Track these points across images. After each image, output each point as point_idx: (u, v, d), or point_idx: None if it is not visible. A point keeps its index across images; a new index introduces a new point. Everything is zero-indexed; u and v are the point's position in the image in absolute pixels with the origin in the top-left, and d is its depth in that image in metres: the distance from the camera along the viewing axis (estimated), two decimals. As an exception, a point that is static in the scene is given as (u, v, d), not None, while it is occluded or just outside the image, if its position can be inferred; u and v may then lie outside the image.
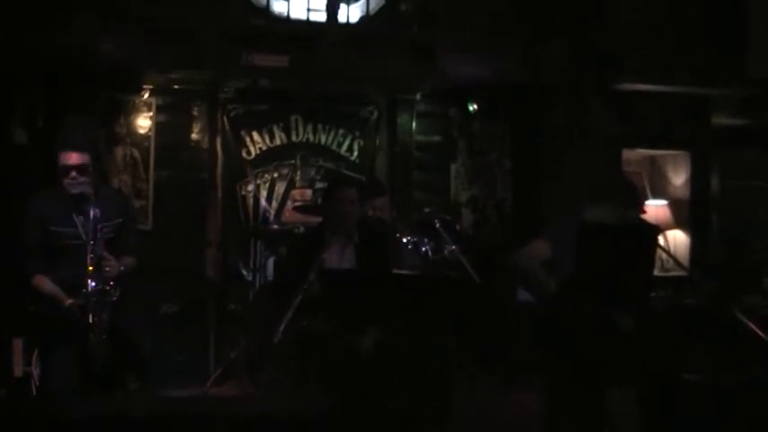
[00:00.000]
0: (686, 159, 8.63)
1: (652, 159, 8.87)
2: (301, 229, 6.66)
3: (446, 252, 6.59)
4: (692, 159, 8.58)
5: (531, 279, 5.09)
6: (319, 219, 5.78)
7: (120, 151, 7.58)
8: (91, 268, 4.64)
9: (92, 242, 4.66)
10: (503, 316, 6.33)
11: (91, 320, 4.63)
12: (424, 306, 4.61)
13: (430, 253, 6.62)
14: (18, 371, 6.28)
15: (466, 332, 5.96)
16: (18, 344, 6.30)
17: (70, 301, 4.71)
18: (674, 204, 8.54)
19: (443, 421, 5.03)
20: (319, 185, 7.73)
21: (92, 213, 4.67)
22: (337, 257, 5.33)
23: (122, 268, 4.80)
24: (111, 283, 4.69)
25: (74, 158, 4.74)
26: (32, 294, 4.95)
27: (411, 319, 4.64)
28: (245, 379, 6.77)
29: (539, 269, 5.03)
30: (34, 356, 6.03)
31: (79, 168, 4.73)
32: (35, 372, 6.04)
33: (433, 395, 5.03)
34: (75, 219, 4.77)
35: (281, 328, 4.61)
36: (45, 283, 4.79)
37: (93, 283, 4.63)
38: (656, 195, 8.65)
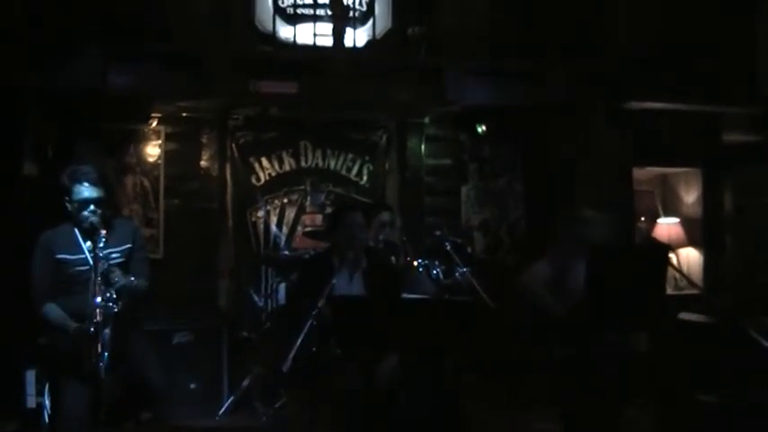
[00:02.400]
0: (698, 177, 8.60)
1: (663, 177, 8.84)
2: (312, 254, 6.65)
3: (458, 275, 6.57)
4: (704, 177, 8.56)
5: (536, 300, 5.09)
6: (327, 244, 5.78)
7: (129, 180, 7.60)
8: (97, 280, 4.65)
9: (102, 269, 4.69)
10: (516, 340, 6.28)
11: (99, 348, 4.62)
12: (436, 331, 4.57)
13: (441, 276, 6.60)
14: (31, 402, 6.28)
15: (479, 357, 5.93)
16: (30, 375, 6.30)
17: (75, 326, 4.72)
18: (686, 222, 8.51)
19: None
20: (330, 210, 7.72)
21: (101, 241, 4.69)
22: (346, 283, 5.31)
23: (132, 279, 4.81)
24: (114, 296, 4.69)
25: (92, 192, 4.81)
26: (42, 326, 4.97)
27: (422, 345, 4.60)
28: (258, 407, 6.74)
29: (542, 290, 5.02)
30: (46, 387, 6.02)
31: (96, 201, 4.80)
32: (47, 402, 6.03)
33: (446, 421, 4.99)
34: (84, 246, 4.82)
35: (291, 355, 4.59)
36: (53, 311, 4.82)
37: (98, 299, 4.63)
38: (668, 213, 8.62)
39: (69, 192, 4.85)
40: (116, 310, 4.71)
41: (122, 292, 4.75)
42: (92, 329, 4.62)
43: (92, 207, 4.81)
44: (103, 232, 4.72)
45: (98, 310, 4.61)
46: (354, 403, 4.87)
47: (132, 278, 4.84)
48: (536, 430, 6.25)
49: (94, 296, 4.64)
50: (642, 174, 8.47)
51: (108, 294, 4.68)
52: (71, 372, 4.77)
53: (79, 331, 4.71)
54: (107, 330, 4.65)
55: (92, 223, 4.78)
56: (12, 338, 6.42)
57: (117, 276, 4.74)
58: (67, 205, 4.88)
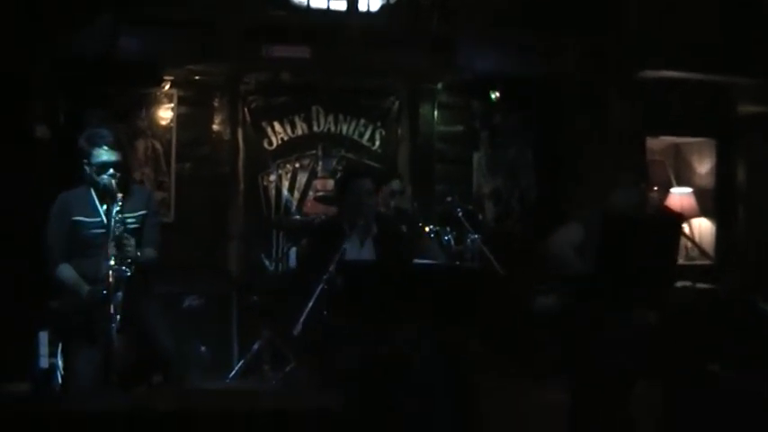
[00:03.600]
0: (711, 147, 8.56)
1: (676, 147, 8.80)
2: (323, 219, 6.66)
3: (469, 242, 6.57)
4: (717, 147, 8.51)
5: (564, 263, 5.05)
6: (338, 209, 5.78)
7: (141, 144, 7.60)
8: (112, 245, 4.69)
9: (117, 232, 4.71)
10: (526, 308, 6.28)
11: (111, 310, 4.65)
12: (446, 297, 4.58)
13: (452, 243, 6.60)
14: (43, 363, 6.32)
15: (488, 325, 5.93)
16: (43, 336, 6.34)
17: (88, 288, 4.75)
18: (699, 193, 8.48)
19: (467, 419, 5.01)
20: (339, 176, 7.72)
21: (117, 202, 4.72)
22: (357, 249, 5.32)
23: (139, 254, 4.83)
24: (129, 260, 4.71)
25: (111, 155, 4.81)
26: (55, 288, 5.00)
27: (432, 312, 4.61)
28: (268, 371, 6.78)
29: (572, 253, 5.00)
30: (59, 348, 6.06)
31: (115, 165, 4.81)
32: (60, 363, 6.08)
33: (456, 390, 5.00)
34: (100, 209, 4.84)
35: (302, 319, 4.60)
36: (66, 273, 4.84)
37: (111, 262, 4.66)
38: (681, 184, 8.59)
39: (88, 155, 4.86)
40: (128, 274, 4.74)
41: (134, 260, 4.79)
42: (104, 292, 4.66)
43: (111, 171, 4.83)
44: (120, 196, 4.75)
45: (111, 273, 4.65)
46: (366, 371, 4.88)
47: (139, 254, 4.85)
48: (546, 401, 6.27)
49: (107, 259, 4.69)
50: (655, 143, 8.43)
51: (121, 258, 4.71)
52: (83, 334, 4.81)
53: (92, 294, 4.75)
54: (119, 294, 4.68)
55: (109, 186, 4.80)
56: (25, 300, 6.45)
57: (130, 247, 4.76)
58: (86, 168, 4.89)
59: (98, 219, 4.85)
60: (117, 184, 4.81)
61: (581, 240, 5.02)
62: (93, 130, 4.98)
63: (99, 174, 4.83)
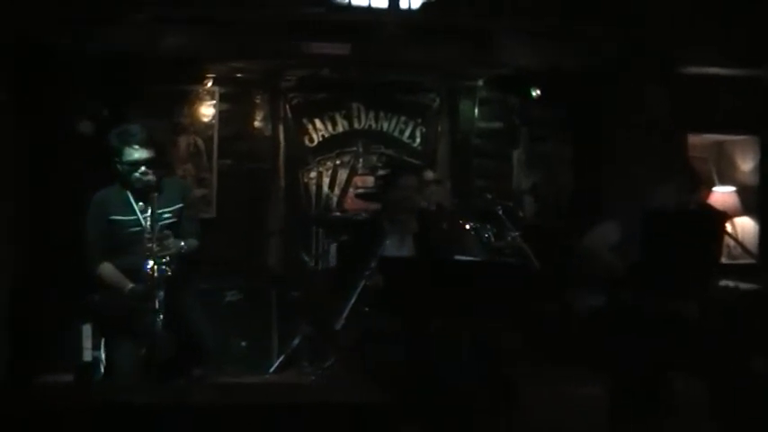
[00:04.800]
0: (755, 145, 8.45)
1: (719, 145, 8.70)
2: (363, 216, 6.67)
3: (509, 239, 6.55)
4: (762, 144, 8.40)
5: (599, 262, 5.04)
6: (379, 205, 5.79)
7: (183, 141, 7.66)
8: (150, 245, 4.70)
9: (151, 226, 4.74)
10: (565, 304, 6.26)
11: (155, 305, 4.69)
12: (486, 294, 4.57)
13: (492, 240, 6.59)
14: (87, 355, 6.40)
15: (528, 321, 5.92)
16: (86, 329, 6.42)
17: (131, 286, 4.78)
18: (742, 191, 8.37)
19: (506, 412, 5.01)
20: (381, 172, 7.72)
21: (151, 199, 4.74)
22: (397, 245, 5.33)
23: (182, 243, 4.85)
24: (167, 259, 4.73)
25: (142, 153, 4.82)
26: (96, 285, 5.04)
27: (472, 308, 4.61)
28: (307, 366, 6.81)
29: (607, 252, 4.98)
30: (102, 342, 6.13)
31: (146, 162, 4.81)
32: (103, 357, 6.15)
33: (494, 385, 5.00)
34: (136, 207, 4.86)
35: (344, 315, 4.63)
36: (108, 271, 4.87)
37: (150, 263, 4.68)
38: (724, 182, 8.49)
39: (119, 153, 4.87)
40: (169, 273, 4.76)
41: (175, 256, 4.81)
42: (146, 292, 4.69)
43: (142, 168, 4.83)
44: (155, 194, 4.76)
45: (152, 271, 4.68)
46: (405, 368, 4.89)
47: (182, 243, 4.88)
48: (581, 395, 6.24)
49: (148, 259, 4.71)
50: (697, 140, 8.33)
51: (161, 257, 4.73)
52: (125, 330, 4.85)
53: (134, 292, 4.78)
54: (161, 293, 4.71)
55: (141, 184, 4.81)
56: (69, 293, 6.53)
57: (170, 243, 4.78)
58: (117, 167, 4.90)
59: (134, 217, 4.88)
60: (150, 181, 4.82)
61: (617, 239, 5.01)
62: (124, 128, 4.99)
63: (131, 172, 4.84)
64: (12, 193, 6.61)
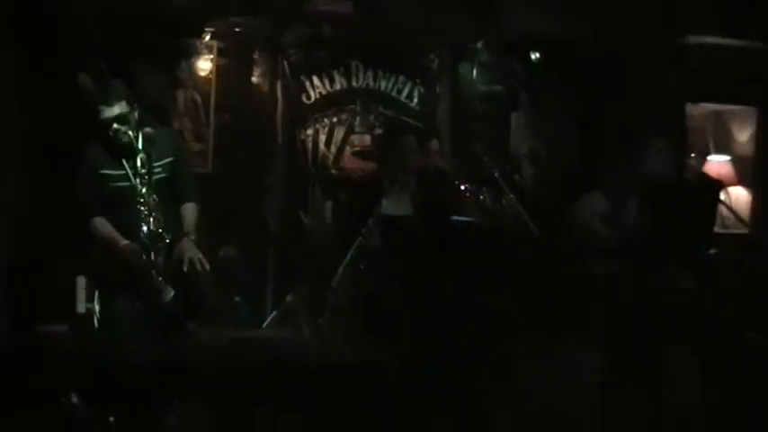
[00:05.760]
0: (752, 115, 8.46)
1: (716, 114, 8.71)
2: (361, 174, 6.68)
3: (504, 202, 6.57)
4: (759, 115, 8.42)
5: (587, 232, 5.07)
6: (377, 165, 5.79)
7: (181, 95, 7.62)
8: (141, 208, 4.69)
9: (143, 185, 4.72)
10: (561, 271, 6.30)
11: (149, 264, 4.68)
12: (482, 254, 4.60)
13: (488, 202, 6.60)
14: (80, 307, 6.42)
15: (523, 284, 5.95)
16: (81, 281, 6.43)
17: (124, 243, 4.76)
18: (738, 161, 8.40)
19: (500, 373, 5.06)
20: (378, 132, 7.72)
21: (140, 156, 4.71)
22: (394, 204, 5.34)
23: (183, 209, 4.83)
24: (161, 230, 4.73)
25: (112, 111, 4.75)
26: (91, 239, 5.02)
27: (468, 267, 4.64)
28: (301, 323, 6.84)
29: (595, 222, 5.00)
30: (96, 294, 6.14)
31: (118, 119, 4.75)
32: (96, 309, 6.16)
33: (490, 347, 5.04)
34: (124, 162, 4.80)
35: (340, 271, 4.65)
36: (101, 226, 4.82)
37: (146, 228, 4.68)
38: (720, 151, 8.51)
39: (96, 110, 4.82)
40: (168, 240, 4.76)
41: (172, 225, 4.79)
42: (141, 250, 4.68)
43: (114, 125, 4.75)
44: (142, 148, 4.72)
45: (148, 235, 4.67)
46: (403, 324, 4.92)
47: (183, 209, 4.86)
48: (576, 361, 6.29)
49: (144, 223, 4.70)
50: (694, 110, 8.34)
51: (158, 221, 4.72)
52: (121, 284, 4.84)
53: (129, 248, 4.75)
54: (160, 258, 4.71)
55: (123, 141, 4.75)
56: (62, 246, 6.53)
57: (162, 215, 4.76)
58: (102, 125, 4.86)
59: (122, 172, 4.79)
60: (127, 138, 4.73)
61: (605, 208, 5.03)
62: (100, 85, 4.94)
63: (106, 129, 4.74)
64: (8, 147, 6.61)
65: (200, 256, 4.72)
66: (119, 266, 4.77)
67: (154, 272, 4.69)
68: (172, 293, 4.67)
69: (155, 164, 4.78)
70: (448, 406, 4.57)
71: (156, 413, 4.58)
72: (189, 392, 4.09)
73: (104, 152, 4.82)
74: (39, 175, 6.74)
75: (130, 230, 4.73)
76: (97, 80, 5.26)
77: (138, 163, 4.71)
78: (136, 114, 4.81)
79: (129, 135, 4.72)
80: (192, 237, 4.83)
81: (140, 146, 4.72)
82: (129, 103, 4.80)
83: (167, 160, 4.89)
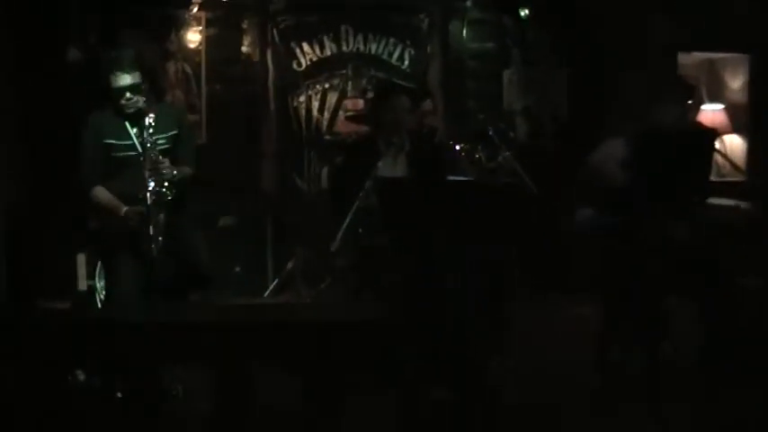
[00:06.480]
0: (745, 63, 8.44)
1: (709, 63, 8.68)
2: (356, 137, 6.67)
3: (500, 159, 6.57)
4: (751, 63, 8.39)
5: (608, 177, 5.04)
6: (371, 128, 5.79)
7: (171, 67, 7.60)
8: (144, 171, 4.71)
9: (147, 150, 4.74)
10: (559, 226, 6.31)
11: (151, 230, 4.71)
12: (480, 213, 4.60)
13: (484, 160, 6.60)
14: (82, 284, 6.44)
15: (522, 242, 5.97)
16: (81, 258, 6.45)
17: (126, 208, 4.79)
18: (731, 109, 8.39)
19: (498, 333, 5.08)
20: (371, 95, 7.69)
21: (146, 124, 4.73)
22: (390, 166, 5.35)
23: (175, 173, 4.85)
24: (167, 184, 4.75)
25: (127, 79, 4.79)
26: (92, 210, 5.05)
27: (466, 227, 4.64)
28: (302, 289, 6.87)
29: (615, 167, 4.98)
30: (97, 270, 6.16)
31: (132, 88, 4.79)
32: (99, 285, 6.18)
33: (489, 307, 5.05)
34: (130, 131, 4.84)
35: (339, 236, 4.66)
36: (102, 194, 4.86)
37: (152, 184, 4.71)
38: (713, 100, 8.49)
39: (107, 79, 4.84)
40: (170, 198, 4.77)
41: (171, 182, 4.81)
42: (144, 212, 4.71)
43: (128, 94, 4.78)
44: (151, 117, 4.75)
45: (150, 195, 4.69)
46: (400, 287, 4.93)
47: (174, 172, 4.87)
48: (576, 315, 6.32)
49: (147, 182, 4.72)
50: (687, 59, 8.32)
51: (160, 181, 4.74)
52: (123, 252, 4.87)
53: (131, 212, 4.78)
54: (161, 216, 4.73)
55: (134, 110, 4.79)
56: (62, 222, 6.55)
57: (166, 169, 4.78)
58: (108, 92, 4.88)
59: (129, 141, 4.85)
60: (138, 107, 4.80)
61: (623, 155, 5.01)
62: (112, 54, 4.95)
63: (118, 98, 4.80)
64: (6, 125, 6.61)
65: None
66: (121, 233, 4.81)
67: (159, 239, 4.71)
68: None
69: (160, 135, 4.83)
70: (447, 360, 4.58)
71: (162, 383, 4.62)
72: (194, 359, 4.11)
73: (109, 121, 4.85)
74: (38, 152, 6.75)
75: (133, 198, 4.76)
76: (108, 50, 5.24)
77: (145, 133, 4.74)
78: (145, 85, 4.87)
79: (139, 104, 4.76)
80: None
81: (148, 116, 4.76)
82: (143, 73, 4.84)
83: (172, 132, 4.94)
